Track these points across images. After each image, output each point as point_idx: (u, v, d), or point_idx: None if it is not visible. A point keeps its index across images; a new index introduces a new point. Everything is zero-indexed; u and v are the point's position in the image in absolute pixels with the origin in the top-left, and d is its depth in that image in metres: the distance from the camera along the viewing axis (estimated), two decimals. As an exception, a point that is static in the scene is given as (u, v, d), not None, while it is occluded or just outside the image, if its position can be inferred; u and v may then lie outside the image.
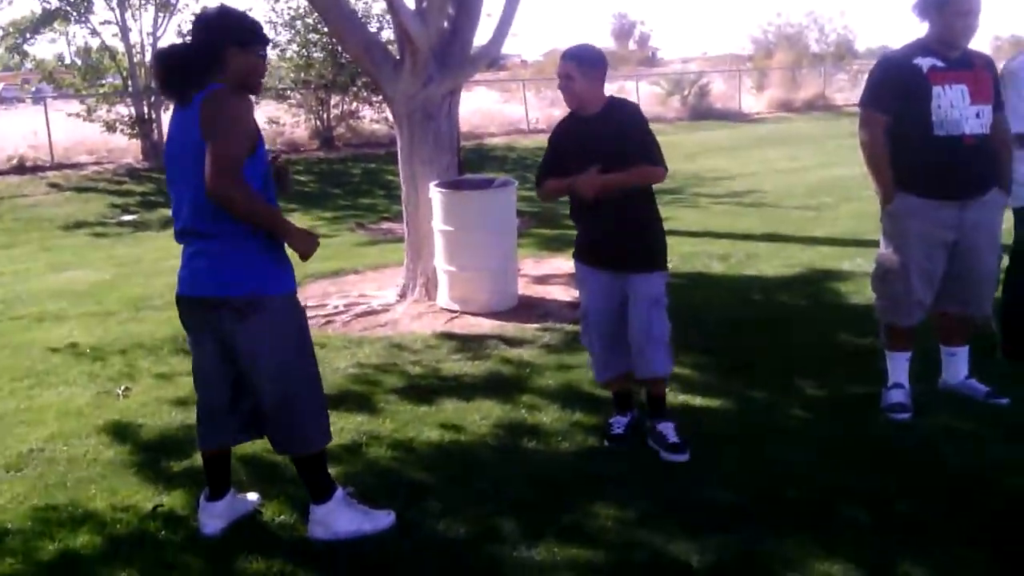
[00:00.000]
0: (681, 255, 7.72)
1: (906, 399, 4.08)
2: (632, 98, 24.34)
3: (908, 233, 3.93)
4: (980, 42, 24.50)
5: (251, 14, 3.10)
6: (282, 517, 3.37)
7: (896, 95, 3.86)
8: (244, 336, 2.98)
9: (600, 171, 3.56)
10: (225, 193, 2.77)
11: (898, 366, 4.12)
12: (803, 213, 9.81)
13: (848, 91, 26.91)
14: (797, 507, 3.29)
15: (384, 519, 3.26)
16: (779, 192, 11.62)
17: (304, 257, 3.04)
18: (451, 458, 3.86)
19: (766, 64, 31.31)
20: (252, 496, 3.49)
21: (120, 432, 4.32)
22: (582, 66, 3.63)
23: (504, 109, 23.04)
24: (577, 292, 6.70)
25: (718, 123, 22.67)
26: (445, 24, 6.70)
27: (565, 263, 7.69)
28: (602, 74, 3.70)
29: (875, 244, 4.20)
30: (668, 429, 3.78)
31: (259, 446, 4.00)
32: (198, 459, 3.86)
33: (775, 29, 34.82)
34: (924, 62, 3.83)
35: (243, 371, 3.06)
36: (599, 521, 3.24)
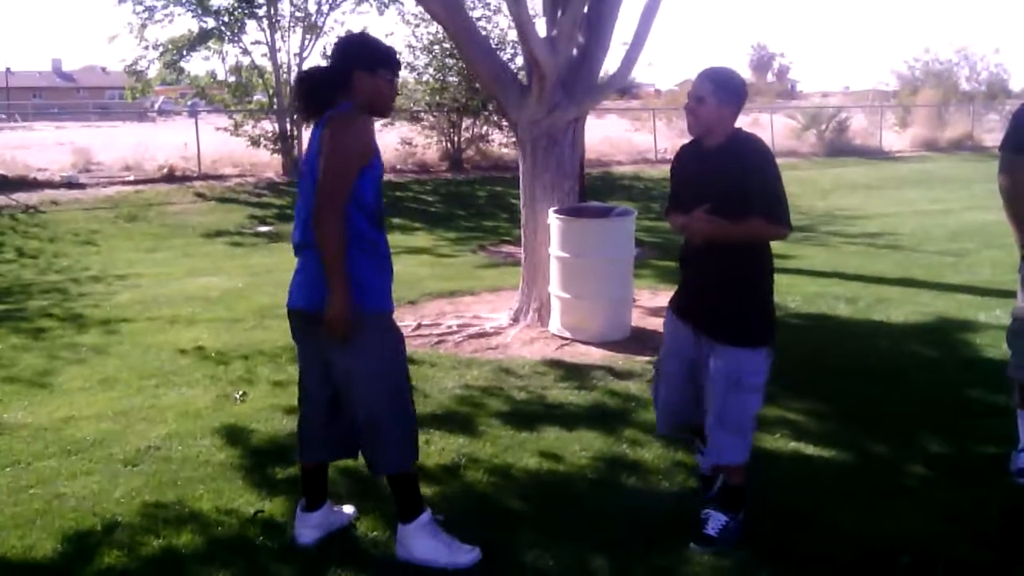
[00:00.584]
0: (806, 295, 7.46)
1: (1039, 464, 3.78)
2: (767, 131, 23.86)
3: (1049, 286, 3.67)
4: None
5: (388, 39, 3.20)
6: (375, 533, 3.40)
7: (1043, 139, 3.62)
8: (339, 351, 3.03)
9: (710, 211, 3.17)
10: (319, 212, 2.90)
11: (1032, 429, 3.83)
12: (941, 258, 9.33)
13: (999, 132, 25.49)
14: (906, 574, 3.09)
15: (465, 556, 3.17)
16: (917, 235, 11.11)
17: (329, 322, 2.92)
18: (547, 488, 3.81)
19: (911, 101, 30.09)
20: (348, 509, 3.54)
21: (233, 435, 4.47)
22: (719, 91, 3.20)
23: (633, 138, 22.97)
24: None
25: (856, 160, 21.89)
26: (574, 52, 6.73)
27: (683, 297, 7.55)
28: (738, 106, 3.27)
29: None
30: (716, 519, 3.28)
31: (360, 460, 4.07)
32: (301, 469, 3.97)
33: (922, 65, 33.44)
34: (1075, 105, 3.58)
35: (338, 387, 3.12)
36: (692, 567, 3.12)
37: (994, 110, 28.91)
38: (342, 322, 2.92)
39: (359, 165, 2.96)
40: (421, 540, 3.17)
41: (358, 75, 3.06)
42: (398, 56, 3.22)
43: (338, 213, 2.90)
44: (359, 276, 2.97)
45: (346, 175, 2.92)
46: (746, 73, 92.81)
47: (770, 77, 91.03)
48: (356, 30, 18.77)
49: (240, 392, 5.18)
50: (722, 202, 3.17)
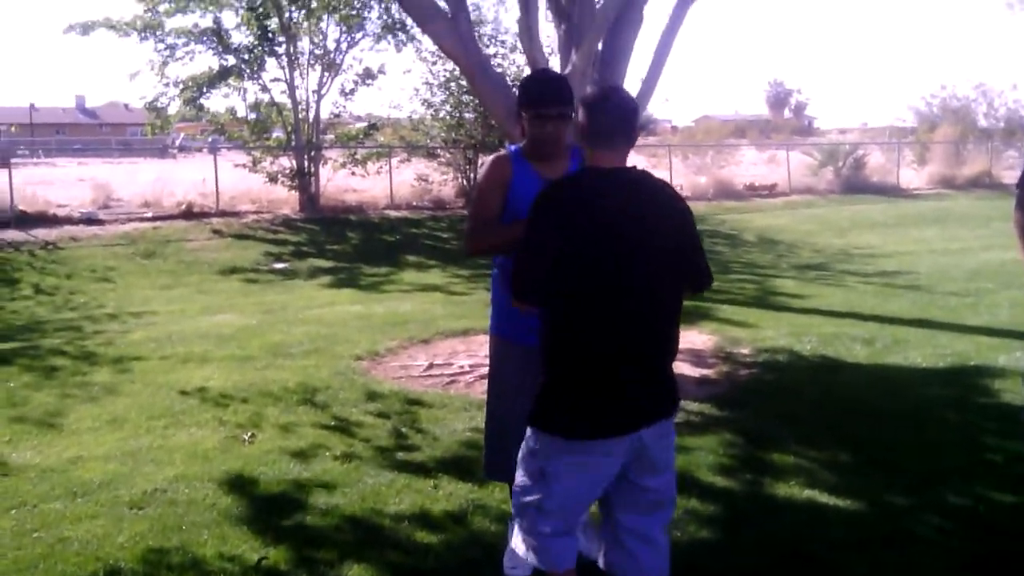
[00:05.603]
0: (821, 336, 7.38)
1: (1061, 516, 3.69)
2: (783, 168, 23.80)
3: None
4: None
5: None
6: (380, 583, 3.35)
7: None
8: None
9: None
10: (466, 246, 3.33)
11: (1052, 478, 3.75)
12: (960, 299, 9.22)
13: (1018, 169, 25.31)
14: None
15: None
16: (934, 274, 10.99)
17: None
18: (556, 536, 3.74)
19: (928, 138, 30.02)
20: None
21: (240, 480, 4.43)
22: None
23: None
24: (706, 369, 6.54)
25: (872, 197, 21.80)
26: (588, 89, 6.74)
27: (697, 336, 7.49)
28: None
29: (1033, 341, 3.87)
30: None
31: (366, 506, 4.03)
32: (308, 515, 3.95)
33: (940, 102, 33.37)
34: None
35: None
36: (703, 622, 3.05)
37: (1013, 147, 28.78)
38: None
39: (492, 206, 3.18)
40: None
41: (523, 117, 3.16)
42: (552, 90, 3.14)
43: (471, 236, 3.25)
44: (494, 304, 3.41)
45: (476, 216, 3.23)
46: (763, 109, 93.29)
47: (787, 113, 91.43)
48: (374, 66, 18.99)
49: (249, 434, 5.15)
50: None
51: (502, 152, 3.32)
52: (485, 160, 3.47)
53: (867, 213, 19.23)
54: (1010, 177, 25.14)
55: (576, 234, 2.51)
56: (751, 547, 3.63)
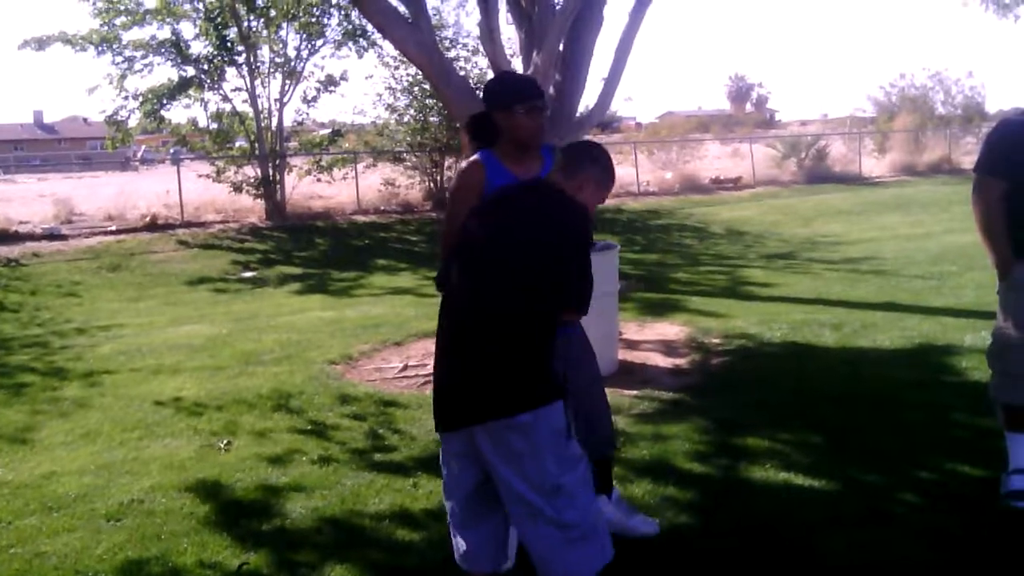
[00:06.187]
0: (791, 323, 7.46)
1: (1028, 486, 3.77)
2: (747, 161, 24.05)
3: (1028, 306, 3.68)
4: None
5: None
6: (362, 582, 3.35)
7: (1014, 160, 3.67)
8: None
9: None
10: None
11: (1019, 449, 3.82)
12: (924, 282, 9.37)
13: (976, 154, 25.72)
14: (902, 601, 3.06)
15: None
16: (899, 259, 11.15)
17: None
18: (536, 529, 3.76)
19: (888, 127, 30.45)
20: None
21: (217, 487, 4.41)
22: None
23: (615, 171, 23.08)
24: (678, 359, 6.60)
25: (836, 186, 22.07)
26: (551, 90, 6.77)
27: (669, 328, 7.55)
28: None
29: (995, 318, 3.94)
30: None
31: (345, 507, 4.03)
32: (287, 520, 3.94)
33: (898, 91, 33.85)
34: (1046, 126, 3.63)
35: None
36: (684, 605, 3.09)
37: (971, 133, 29.25)
38: None
39: (467, 208, 3.12)
40: None
41: (499, 116, 3.21)
42: (534, 83, 3.31)
43: (445, 247, 3.17)
44: None
45: (449, 219, 3.20)
46: (724, 103, 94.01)
47: (749, 107, 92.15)
48: (336, 72, 18.91)
49: (224, 441, 5.12)
50: None
51: (473, 157, 3.32)
52: (456, 165, 3.50)
53: (831, 202, 19.47)
54: (969, 162, 25.52)
55: (472, 233, 2.80)
56: (728, 530, 3.67)
